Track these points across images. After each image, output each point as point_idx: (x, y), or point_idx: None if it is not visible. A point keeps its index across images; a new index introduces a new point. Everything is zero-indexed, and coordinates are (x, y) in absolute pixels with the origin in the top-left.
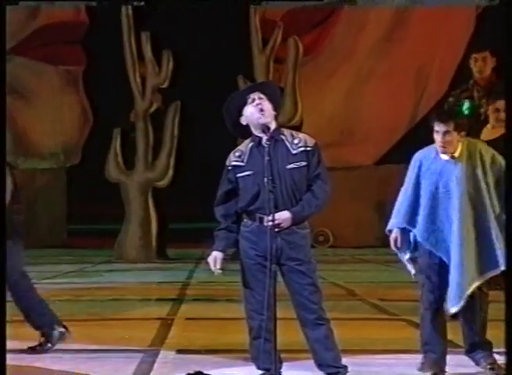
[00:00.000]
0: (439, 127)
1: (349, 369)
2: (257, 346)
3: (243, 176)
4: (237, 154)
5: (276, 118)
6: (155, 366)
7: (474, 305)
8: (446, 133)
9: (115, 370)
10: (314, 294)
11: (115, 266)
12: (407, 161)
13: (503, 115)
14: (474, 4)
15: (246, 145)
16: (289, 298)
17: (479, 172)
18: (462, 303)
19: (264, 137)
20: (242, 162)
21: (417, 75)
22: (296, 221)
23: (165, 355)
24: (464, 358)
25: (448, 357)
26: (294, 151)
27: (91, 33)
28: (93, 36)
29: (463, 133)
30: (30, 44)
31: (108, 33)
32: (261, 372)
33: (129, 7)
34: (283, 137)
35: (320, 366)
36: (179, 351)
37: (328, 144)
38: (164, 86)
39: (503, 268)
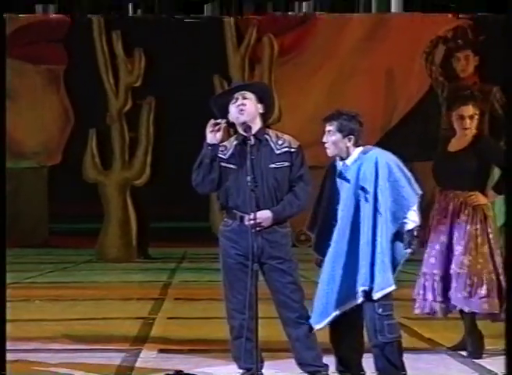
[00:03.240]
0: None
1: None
2: (238, 346)
3: (225, 167)
4: (221, 148)
5: (266, 118)
6: (137, 365)
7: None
8: (328, 132)
9: (97, 370)
10: (295, 292)
11: (97, 266)
12: None
13: (468, 122)
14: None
15: (230, 142)
16: (271, 297)
17: (367, 185)
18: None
19: (248, 136)
20: (224, 155)
21: (399, 75)
22: (276, 220)
23: (147, 355)
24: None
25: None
26: (278, 152)
27: (73, 33)
28: (75, 35)
29: (352, 137)
30: (11, 42)
31: (90, 33)
32: (241, 371)
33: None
34: (268, 137)
35: (300, 364)
36: (161, 351)
37: (310, 143)
38: (137, 84)
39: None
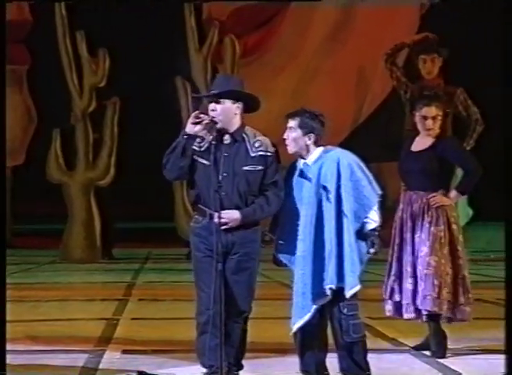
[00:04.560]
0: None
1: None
2: (203, 342)
3: (198, 161)
4: (198, 139)
5: (250, 111)
6: (101, 366)
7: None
8: (289, 128)
9: (61, 371)
10: (247, 290)
11: (60, 267)
12: None
13: (431, 123)
14: (418, 4)
15: (207, 134)
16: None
17: (328, 185)
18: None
19: (214, 138)
20: (200, 148)
21: (362, 75)
22: (244, 222)
23: (111, 356)
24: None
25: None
26: (253, 154)
27: (35, 32)
28: (37, 34)
29: (312, 135)
30: None
31: (52, 32)
32: (205, 370)
33: (62, 5)
34: (245, 137)
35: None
36: (125, 352)
37: (276, 143)
38: (101, 85)
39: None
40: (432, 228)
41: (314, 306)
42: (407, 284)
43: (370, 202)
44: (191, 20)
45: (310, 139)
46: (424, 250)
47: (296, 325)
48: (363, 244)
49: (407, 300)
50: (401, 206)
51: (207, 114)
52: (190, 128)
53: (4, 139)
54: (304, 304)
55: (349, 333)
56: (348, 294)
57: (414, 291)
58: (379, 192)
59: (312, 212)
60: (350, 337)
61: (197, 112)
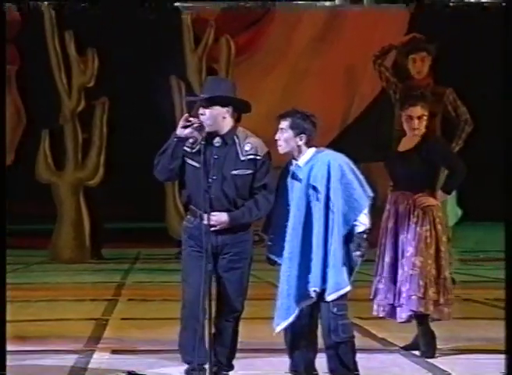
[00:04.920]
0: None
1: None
2: (184, 337)
3: (188, 164)
4: (191, 140)
5: (237, 118)
6: (90, 366)
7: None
8: (281, 129)
9: (50, 371)
10: (238, 290)
11: (50, 267)
12: None
13: (416, 123)
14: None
15: (199, 136)
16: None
17: (318, 186)
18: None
19: (201, 140)
20: (191, 150)
21: (351, 75)
22: (232, 225)
23: (100, 356)
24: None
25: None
26: (243, 158)
27: (24, 32)
28: (26, 34)
29: (303, 136)
30: None
31: (41, 32)
32: (186, 366)
33: (51, 5)
34: (236, 140)
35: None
36: (114, 352)
37: (265, 143)
38: (90, 85)
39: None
40: (418, 228)
41: (298, 308)
42: (394, 285)
43: (360, 205)
44: (187, 19)
45: (301, 140)
46: (410, 250)
47: (280, 326)
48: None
49: (393, 301)
50: (388, 207)
51: (198, 117)
52: (180, 131)
53: (4, 139)
54: (289, 305)
55: (337, 332)
56: (332, 296)
57: (400, 293)
58: (371, 195)
59: (301, 213)
60: (339, 336)
61: (186, 115)
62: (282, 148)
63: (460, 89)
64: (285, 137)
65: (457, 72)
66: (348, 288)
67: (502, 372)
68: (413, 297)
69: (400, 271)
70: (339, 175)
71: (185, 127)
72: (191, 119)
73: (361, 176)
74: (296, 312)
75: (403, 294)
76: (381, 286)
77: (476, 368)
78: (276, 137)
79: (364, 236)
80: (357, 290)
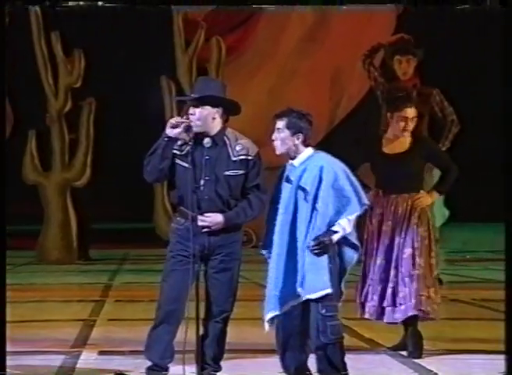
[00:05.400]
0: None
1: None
2: (154, 335)
3: (178, 164)
4: (179, 142)
5: (225, 119)
6: (77, 367)
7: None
8: (277, 129)
9: (37, 372)
10: (229, 291)
11: (37, 268)
12: None
13: (410, 123)
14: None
15: (190, 139)
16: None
17: (308, 187)
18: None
19: (189, 140)
20: (181, 151)
21: (339, 76)
22: (226, 226)
23: (87, 357)
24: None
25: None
26: (234, 158)
27: (12, 32)
28: (12, 35)
29: (300, 135)
30: None
31: (27, 32)
32: (149, 363)
33: (37, 6)
34: (227, 140)
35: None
36: (102, 353)
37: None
38: (77, 85)
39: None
40: (420, 229)
41: (284, 307)
42: (389, 288)
43: (346, 211)
44: (179, 20)
45: (298, 139)
46: (407, 252)
47: (268, 315)
48: (348, 249)
49: (388, 303)
50: (379, 210)
51: (188, 117)
52: (169, 131)
53: (4, 139)
54: (276, 304)
55: (326, 334)
56: (310, 296)
57: (394, 294)
58: (366, 203)
59: (288, 213)
60: (328, 338)
61: (174, 117)
62: (279, 148)
63: (446, 89)
64: (282, 137)
65: (444, 72)
66: (327, 291)
67: (502, 372)
68: (422, 297)
69: (392, 272)
70: (332, 180)
71: (174, 127)
72: (179, 119)
73: (357, 184)
74: (278, 312)
75: (400, 295)
76: (371, 289)
77: (463, 368)
78: (273, 137)
79: (334, 237)
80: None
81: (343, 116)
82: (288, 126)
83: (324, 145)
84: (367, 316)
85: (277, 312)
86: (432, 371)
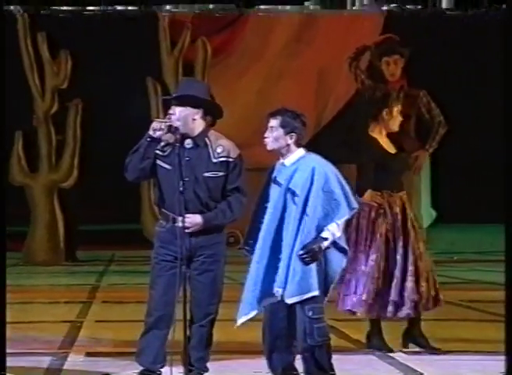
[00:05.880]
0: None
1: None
2: (146, 341)
3: (160, 166)
4: (162, 143)
5: (210, 122)
6: (64, 368)
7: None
8: (271, 128)
9: (24, 373)
10: (213, 294)
11: (24, 269)
12: None
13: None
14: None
15: (171, 139)
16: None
17: (298, 189)
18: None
19: (176, 141)
20: (163, 152)
21: (326, 77)
22: (206, 227)
23: (75, 358)
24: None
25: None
26: (214, 160)
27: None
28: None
29: (293, 135)
30: None
31: (13, 33)
32: (141, 368)
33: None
34: (208, 142)
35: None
36: (89, 354)
37: (240, 145)
38: (63, 86)
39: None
40: (414, 224)
41: (260, 306)
42: (394, 284)
43: (335, 215)
44: (164, 21)
45: (291, 138)
46: (404, 248)
47: (241, 320)
48: (335, 254)
49: (395, 297)
50: (373, 208)
51: (170, 117)
52: (152, 132)
53: (3, 139)
54: (251, 301)
55: (313, 336)
56: (289, 300)
57: (404, 289)
58: (355, 207)
59: (276, 213)
60: (314, 340)
61: (156, 120)
62: (270, 145)
63: (434, 91)
64: (274, 136)
65: (431, 73)
66: (313, 293)
67: (502, 372)
68: (432, 293)
69: (398, 269)
70: (322, 182)
71: (157, 129)
72: (161, 120)
73: (348, 188)
74: (256, 311)
75: (408, 291)
76: (373, 287)
77: (450, 369)
78: (265, 135)
79: (324, 243)
80: (332, 292)
81: (331, 116)
82: (282, 125)
83: (311, 146)
84: (371, 314)
85: (255, 311)
86: (416, 371)
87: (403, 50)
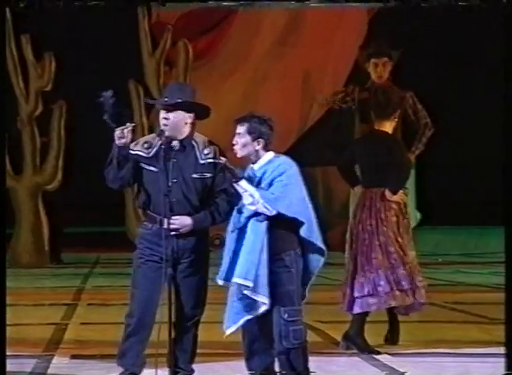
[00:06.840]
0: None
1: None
2: (129, 343)
3: (147, 169)
4: (145, 145)
5: (200, 119)
6: (49, 371)
7: None
8: (238, 134)
9: None
10: (198, 296)
11: (8, 271)
12: (302, 164)
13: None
14: (365, 8)
15: (155, 140)
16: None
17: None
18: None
19: (164, 142)
20: (148, 154)
21: (311, 79)
22: (195, 228)
23: (59, 361)
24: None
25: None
26: (202, 161)
27: None
28: None
29: (261, 140)
30: None
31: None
32: (122, 370)
33: (7, 9)
34: (194, 144)
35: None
36: (74, 357)
37: (225, 147)
38: (47, 89)
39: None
40: (405, 220)
41: (248, 314)
42: (395, 276)
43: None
44: (145, 23)
45: (259, 144)
46: (400, 242)
47: (230, 329)
48: (312, 255)
49: (404, 286)
50: (380, 205)
51: (159, 121)
52: (118, 141)
53: (3, 139)
54: (238, 310)
55: (288, 338)
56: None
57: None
58: (274, 212)
59: (248, 214)
60: (290, 342)
61: (117, 129)
62: (240, 152)
63: (420, 92)
64: (242, 142)
65: (418, 74)
66: (241, 281)
67: (502, 372)
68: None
69: (381, 263)
70: (277, 175)
71: (121, 136)
72: (123, 128)
73: (304, 190)
74: (247, 317)
75: (409, 283)
76: (380, 280)
77: (434, 370)
78: (234, 141)
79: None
80: (317, 293)
81: (317, 118)
82: (249, 132)
83: (297, 147)
84: (381, 306)
85: (244, 319)
86: (397, 370)
87: (392, 52)
